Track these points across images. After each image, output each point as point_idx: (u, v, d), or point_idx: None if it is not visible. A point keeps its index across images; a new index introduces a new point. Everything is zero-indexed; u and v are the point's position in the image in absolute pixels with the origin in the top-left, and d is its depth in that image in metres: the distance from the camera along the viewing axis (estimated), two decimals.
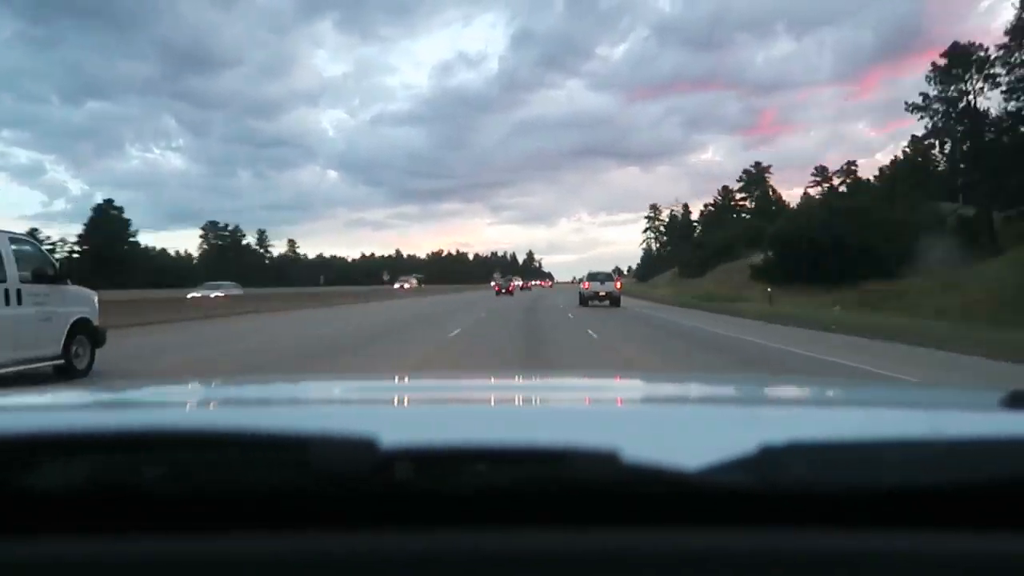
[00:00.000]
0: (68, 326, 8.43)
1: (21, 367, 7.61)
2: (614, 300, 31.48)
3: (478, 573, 0.57)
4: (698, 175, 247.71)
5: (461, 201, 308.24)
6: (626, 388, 1.57)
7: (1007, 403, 0.85)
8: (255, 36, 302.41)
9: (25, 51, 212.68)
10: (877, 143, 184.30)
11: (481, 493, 0.60)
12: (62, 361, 8.26)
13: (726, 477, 0.59)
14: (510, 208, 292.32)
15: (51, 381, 7.63)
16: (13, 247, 7.87)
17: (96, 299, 9.25)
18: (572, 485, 0.60)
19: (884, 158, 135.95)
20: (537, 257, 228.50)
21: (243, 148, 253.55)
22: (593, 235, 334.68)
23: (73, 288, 8.82)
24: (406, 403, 1.22)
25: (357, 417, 0.89)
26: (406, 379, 1.88)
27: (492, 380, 1.79)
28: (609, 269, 44.84)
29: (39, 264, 8.35)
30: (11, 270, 7.70)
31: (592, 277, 33.33)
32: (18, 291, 7.73)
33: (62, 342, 8.30)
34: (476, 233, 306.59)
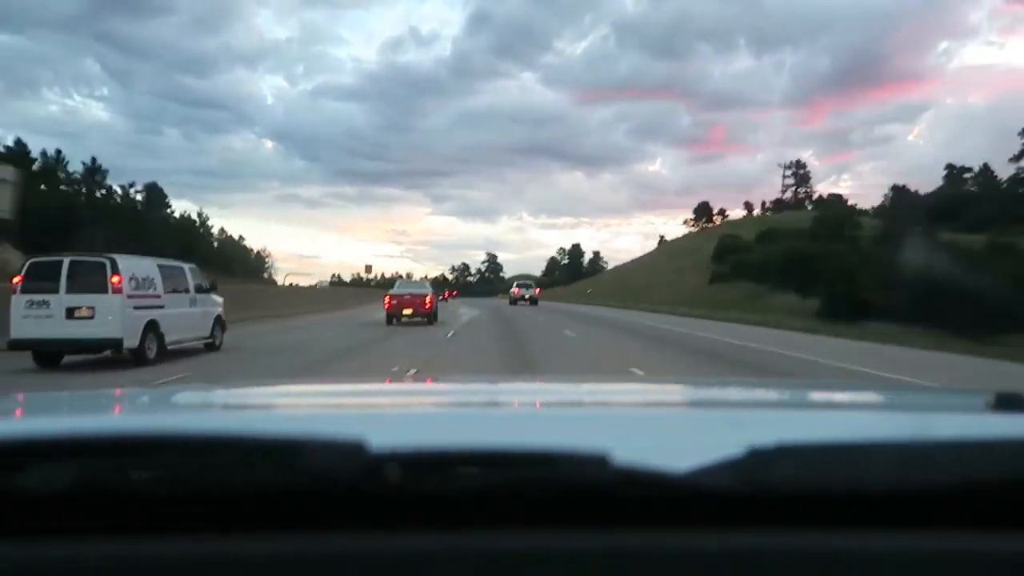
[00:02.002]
0: (213, 318, 14.00)
1: (193, 343, 13.14)
2: (534, 301, 46.37)
3: (468, 574, 0.58)
4: (641, 186, 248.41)
5: (401, 187, 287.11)
6: (615, 391, 1.57)
7: (993, 405, 0.86)
8: None
9: None
10: (821, 172, 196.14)
11: (471, 496, 0.60)
12: (211, 339, 13.79)
13: (715, 479, 0.59)
14: (451, 199, 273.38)
15: (201, 353, 13.14)
16: (190, 272, 13.48)
17: (222, 301, 14.76)
18: (562, 488, 0.60)
19: (824, 189, 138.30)
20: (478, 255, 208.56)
21: (172, 105, 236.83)
22: (534, 236, 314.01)
23: (215, 295, 14.36)
24: (395, 407, 1.23)
25: (346, 421, 0.90)
26: (396, 383, 2.00)
27: (481, 384, 1.78)
28: (539, 273, 59.44)
29: (200, 281, 13.91)
30: (191, 286, 13.30)
31: (520, 284, 50.28)
32: (194, 298, 13.29)
33: (211, 328, 13.86)
34: (415, 222, 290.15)
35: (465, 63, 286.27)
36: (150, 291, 11.66)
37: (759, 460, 0.60)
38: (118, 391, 1.51)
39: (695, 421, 0.93)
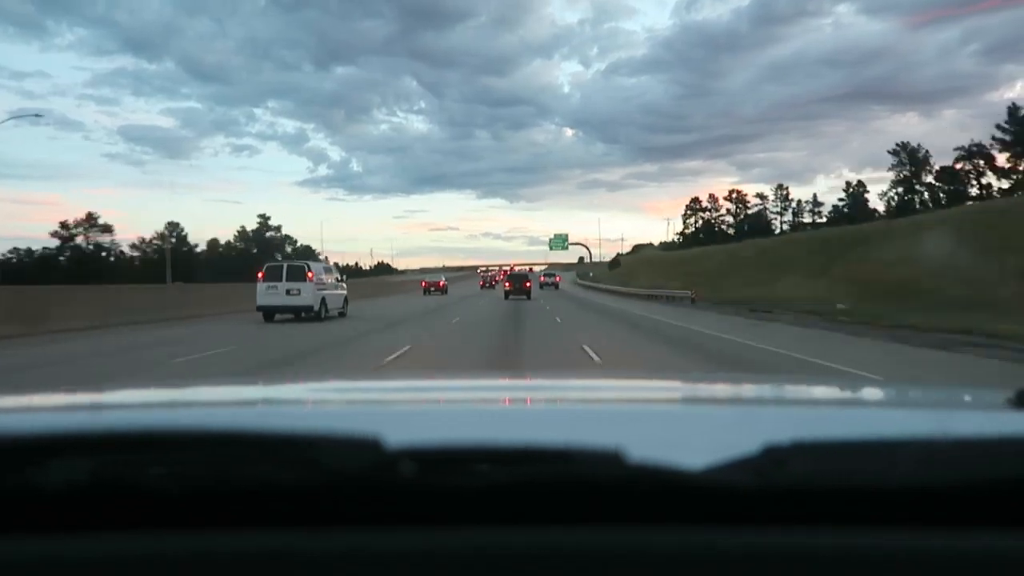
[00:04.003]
0: (343, 298, 23.83)
1: (336, 311, 22.90)
2: (555, 287, 63.94)
3: (482, 571, 0.58)
4: (997, 118, 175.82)
5: (704, 158, 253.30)
6: (630, 388, 1.56)
7: (1014, 402, 0.85)
8: None
9: (277, 18, 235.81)
10: None
11: (485, 492, 0.60)
12: (343, 310, 23.54)
13: (730, 476, 0.59)
14: (759, 165, 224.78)
15: (337, 318, 22.87)
16: (335, 270, 23.60)
17: (346, 287, 24.56)
18: (576, 484, 0.60)
19: None
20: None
21: (480, 108, 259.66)
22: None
23: (344, 284, 24.23)
24: (411, 403, 1.24)
25: (361, 416, 0.91)
26: (411, 380, 1.93)
27: (496, 380, 1.81)
28: None
29: (338, 274, 23.86)
30: (335, 278, 23.35)
31: (546, 274, 61.64)
32: (336, 285, 23.23)
33: (342, 303, 23.68)
34: (720, 194, 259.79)
35: (767, 9, 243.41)
36: (322, 281, 21.60)
37: (774, 457, 0.60)
38: (130, 389, 1.53)
39: (711, 418, 0.94)
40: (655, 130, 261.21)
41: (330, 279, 22.72)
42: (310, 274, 20.88)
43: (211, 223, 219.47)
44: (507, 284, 42.95)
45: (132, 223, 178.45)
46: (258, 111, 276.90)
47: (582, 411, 1.04)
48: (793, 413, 1.02)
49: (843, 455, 0.62)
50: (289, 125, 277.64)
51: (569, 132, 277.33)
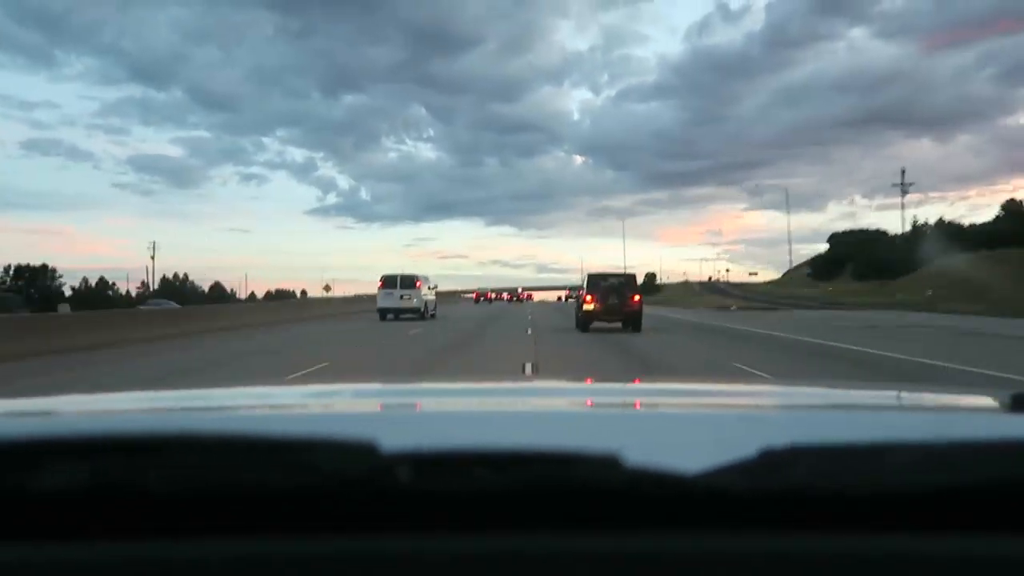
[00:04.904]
0: (435, 303, 29.80)
1: (432, 312, 28.76)
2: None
3: None
4: (1012, 143, 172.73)
5: (714, 184, 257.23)
6: (627, 392, 1.56)
7: (1011, 406, 0.85)
8: (495, 6, 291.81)
9: (285, 46, 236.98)
10: None
11: (482, 497, 0.60)
12: (434, 312, 29.38)
13: (727, 480, 0.58)
14: (769, 191, 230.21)
15: (429, 319, 28.56)
16: (431, 280, 29.59)
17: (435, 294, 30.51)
18: (573, 489, 0.59)
19: None
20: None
21: (488, 135, 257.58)
22: (869, 220, 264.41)
23: (434, 292, 30.17)
24: (406, 407, 1.23)
25: (357, 421, 0.91)
26: (407, 384, 1.92)
27: (493, 384, 1.79)
28: None
29: (430, 284, 29.76)
30: (430, 287, 29.45)
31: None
32: (430, 293, 29.23)
33: (435, 307, 29.64)
34: (730, 220, 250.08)
35: (780, 32, 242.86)
36: (426, 288, 27.64)
37: (772, 461, 0.59)
38: (128, 392, 1.50)
39: (708, 422, 0.93)
40: (665, 156, 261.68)
41: (428, 289, 28.55)
42: (419, 283, 26.94)
43: (216, 254, 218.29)
44: (590, 299, 19.22)
45: (138, 251, 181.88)
46: (267, 140, 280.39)
47: (579, 415, 1.05)
48: (790, 417, 1.03)
49: (841, 459, 0.61)
50: (298, 154, 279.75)
51: (579, 159, 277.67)
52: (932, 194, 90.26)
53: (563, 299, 78.46)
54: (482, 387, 1.64)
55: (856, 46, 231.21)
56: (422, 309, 26.65)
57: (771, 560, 0.57)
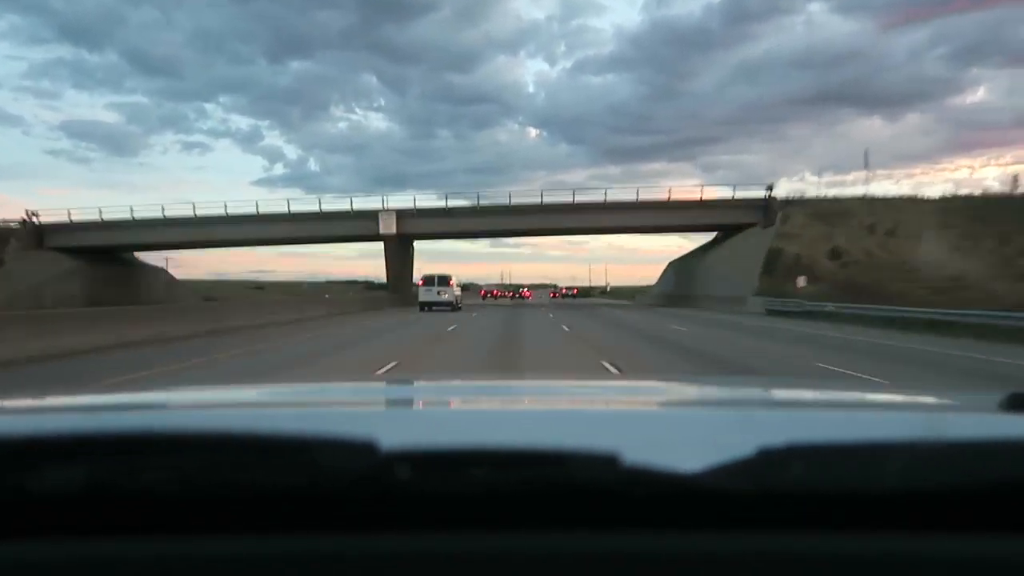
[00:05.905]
0: (459, 296, 37.35)
1: (460, 305, 36.21)
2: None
3: (477, 574, 0.58)
4: (959, 124, 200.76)
5: (668, 160, 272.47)
6: (625, 391, 1.56)
7: (1006, 405, 0.85)
8: None
9: (229, 9, 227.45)
10: None
11: (480, 495, 0.60)
12: (460, 305, 36.72)
13: (725, 480, 0.58)
14: (723, 167, 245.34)
15: (453, 310, 35.77)
16: (455, 279, 37.01)
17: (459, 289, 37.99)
18: (571, 488, 0.59)
19: None
20: None
21: (442, 106, 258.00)
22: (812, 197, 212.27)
23: (459, 288, 37.74)
24: (405, 406, 1.25)
25: (357, 420, 0.91)
26: (406, 383, 1.92)
27: (491, 383, 1.80)
28: None
29: (454, 282, 37.23)
30: (456, 284, 37.05)
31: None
32: (456, 288, 36.76)
33: (457, 300, 36.98)
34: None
35: (739, 5, 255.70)
36: (456, 286, 35.31)
37: (769, 460, 0.59)
38: (127, 392, 1.46)
39: (705, 421, 0.93)
40: (621, 131, 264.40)
41: (456, 286, 36.01)
42: (452, 282, 34.43)
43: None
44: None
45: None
46: (209, 107, 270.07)
47: (578, 414, 1.04)
48: (788, 416, 1.03)
49: (837, 458, 0.62)
50: (243, 122, 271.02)
51: (533, 132, 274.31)
52: (880, 171, 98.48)
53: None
54: (481, 385, 1.66)
55: (814, 20, 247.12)
56: (453, 302, 34.04)
57: (769, 559, 0.58)
